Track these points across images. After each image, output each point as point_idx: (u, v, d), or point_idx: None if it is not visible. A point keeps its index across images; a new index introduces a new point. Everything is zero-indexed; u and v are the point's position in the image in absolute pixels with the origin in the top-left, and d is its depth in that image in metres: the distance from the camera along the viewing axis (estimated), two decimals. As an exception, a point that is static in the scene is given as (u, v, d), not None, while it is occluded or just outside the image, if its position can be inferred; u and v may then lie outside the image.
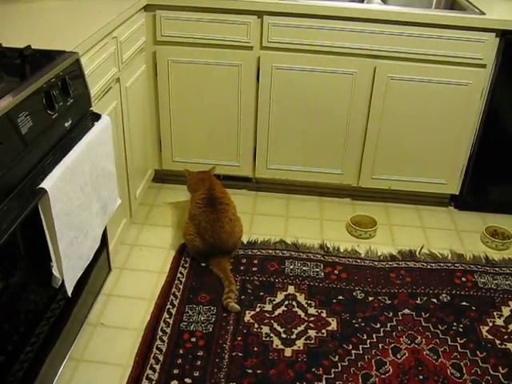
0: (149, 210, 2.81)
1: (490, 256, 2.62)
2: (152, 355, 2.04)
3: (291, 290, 2.38)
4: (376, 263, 2.55)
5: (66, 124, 1.70)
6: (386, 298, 2.36)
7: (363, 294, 2.37)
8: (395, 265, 2.55)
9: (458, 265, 2.57)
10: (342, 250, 2.62)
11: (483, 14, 2.49)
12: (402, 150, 2.77)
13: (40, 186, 1.49)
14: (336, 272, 2.49)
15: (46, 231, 1.52)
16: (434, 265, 2.57)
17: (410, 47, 2.52)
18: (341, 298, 2.35)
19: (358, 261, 2.56)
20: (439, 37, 2.49)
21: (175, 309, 2.25)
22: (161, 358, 2.03)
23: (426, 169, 2.81)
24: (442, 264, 2.57)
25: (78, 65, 1.77)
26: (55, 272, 1.58)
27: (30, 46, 1.71)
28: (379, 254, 2.60)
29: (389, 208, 2.94)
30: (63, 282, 1.66)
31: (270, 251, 2.58)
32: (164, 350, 2.07)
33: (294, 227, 2.75)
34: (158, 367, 2.00)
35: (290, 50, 2.57)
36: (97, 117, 1.86)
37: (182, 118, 2.78)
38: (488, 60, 2.53)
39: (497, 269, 2.57)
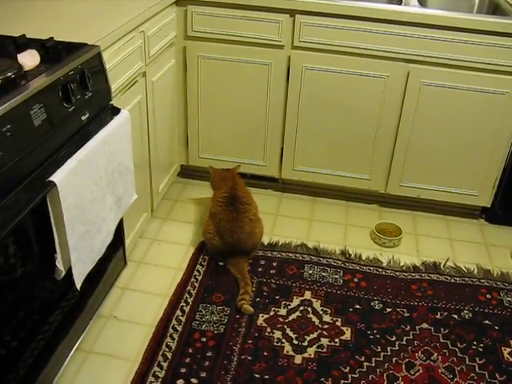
0: (172, 205, 2.80)
1: (519, 273, 2.53)
2: (161, 352, 2.04)
3: (308, 295, 2.33)
4: (398, 273, 2.48)
5: (83, 117, 1.70)
6: (405, 311, 2.28)
7: (381, 305, 2.31)
8: (418, 276, 2.47)
9: (483, 281, 2.47)
10: (363, 258, 2.55)
11: (525, 20, 2.39)
12: (433, 158, 2.68)
13: (49, 178, 1.48)
14: (355, 280, 2.43)
15: (53, 223, 1.52)
16: (458, 279, 2.47)
17: (446, 52, 2.43)
18: (358, 307, 2.29)
19: (380, 270, 2.49)
20: (476, 43, 2.39)
21: (189, 307, 2.24)
22: (169, 355, 2.03)
23: (457, 179, 2.71)
24: (467, 279, 2.48)
25: (99, 58, 1.77)
26: (58, 264, 1.58)
27: (52, 37, 1.72)
28: (402, 264, 2.52)
29: (416, 217, 2.85)
30: (72, 274, 1.67)
31: (290, 254, 2.54)
32: (173, 347, 2.06)
33: (316, 231, 2.70)
34: (165, 365, 1.99)
35: (321, 51, 2.52)
36: (116, 111, 1.85)
37: (210, 114, 2.76)
38: (527, 68, 2.44)
39: (525, 287, 2.47)
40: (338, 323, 2.21)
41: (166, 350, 2.05)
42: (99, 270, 2.00)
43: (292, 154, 2.78)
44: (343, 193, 2.93)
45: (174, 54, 2.56)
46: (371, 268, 2.50)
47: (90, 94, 1.73)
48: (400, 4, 2.58)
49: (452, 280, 2.47)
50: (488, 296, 2.40)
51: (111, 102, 1.86)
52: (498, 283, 2.47)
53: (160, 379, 1.94)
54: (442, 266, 2.54)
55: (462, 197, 2.75)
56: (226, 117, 2.76)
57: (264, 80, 2.61)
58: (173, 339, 2.10)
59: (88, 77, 1.71)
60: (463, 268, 2.53)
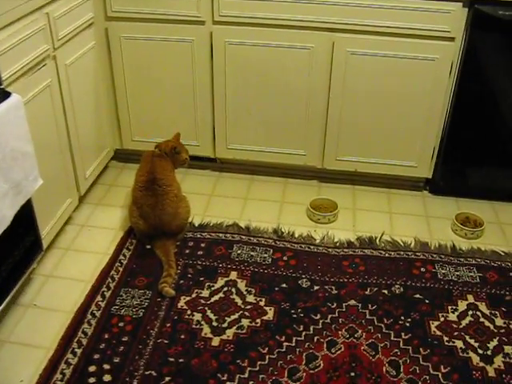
0: (107, 190, 2.75)
1: (457, 245, 2.44)
2: (76, 339, 2.00)
3: (233, 275, 2.28)
4: (330, 250, 2.42)
5: (-39, 103, 1.65)
6: (333, 288, 2.23)
7: (309, 283, 2.25)
8: (350, 252, 2.41)
9: (419, 254, 2.41)
10: (296, 235, 2.49)
11: (450, -19, 2.30)
12: (367, 130, 2.61)
13: None
14: (285, 258, 2.37)
15: None
16: (393, 253, 2.41)
17: (370, 19, 2.35)
18: (284, 286, 2.23)
19: (311, 247, 2.43)
20: (404, 7, 2.30)
21: (110, 292, 2.20)
22: (84, 342, 1.99)
23: (394, 150, 2.63)
24: (402, 252, 2.41)
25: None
26: None
27: None
28: (336, 240, 2.46)
29: (357, 191, 2.78)
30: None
31: (220, 235, 2.49)
32: (89, 333, 2.02)
33: (251, 210, 2.65)
34: (79, 351, 1.95)
35: (243, 24, 2.44)
36: (5, 95, 1.80)
37: (139, 96, 2.70)
38: (456, 33, 2.33)
39: (462, 259, 2.39)
40: (262, 303, 2.16)
41: (82, 336, 2.01)
42: (8, 257, 1.97)
43: (224, 132, 2.71)
44: (282, 170, 2.86)
45: (93, 35, 2.50)
46: (303, 245, 2.44)
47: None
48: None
49: (386, 254, 2.40)
50: (422, 269, 2.33)
51: (1, 87, 1.81)
52: (434, 255, 2.40)
53: (72, 366, 1.90)
54: (377, 240, 2.47)
55: (401, 169, 2.67)
56: (155, 98, 2.70)
57: (188, 58, 2.54)
58: (90, 325, 2.06)
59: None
60: (400, 242, 2.46)
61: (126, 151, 2.88)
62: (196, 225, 2.54)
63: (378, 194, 2.77)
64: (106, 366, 1.91)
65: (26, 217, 2.02)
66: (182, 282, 2.25)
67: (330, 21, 2.37)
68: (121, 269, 2.31)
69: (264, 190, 2.79)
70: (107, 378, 1.87)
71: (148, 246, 2.39)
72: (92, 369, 1.90)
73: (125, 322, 2.07)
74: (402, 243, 2.46)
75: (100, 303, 2.15)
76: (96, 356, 1.94)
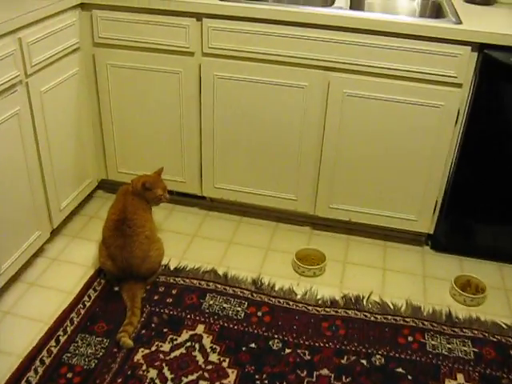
0: (86, 222, 2.62)
1: (454, 312, 2.19)
2: (18, 390, 1.87)
3: (200, 329, 2.09)
4: (310, 308, 2.20)
5: None
6: (307, 353, 2.01)
7: (280, 345, 2.04)
8: (332, 312, 2.19)
9: (409, 320, 2.17)
10: (276, 288, 2.29)
11: (459, 23, 2.08)
12: (364, 177, 2.40)
13: None
14: (259, 314, 2.17)
15: None
16: (379, 317, 2.18)
17: (368, 59, 2.16)
18: (253, 346, 2.03)
19: (290, 303, 2.22)
20: (405, 49, 2.10)
21: (65, 336, 2.04)
22: (27, 393, 1.86)
23: (392, 201, 2.41)
24: (390, 317, 2.18)
25: None
26: None
27: None
28: (319, 296, 2.25)
29: (351, 242, 2.56)
30: None
31: (195, 281, 2.31)
32: (33, 383, 1.88)
33: (233, 255, 2.46)
34: (18, 403, 1.83)
35: (233, 58, 2.28)
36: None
37: (125, 126, 2.56)
38: (464, 79, 2.11)
39: (456, 329, 2.14)
40: (225, 364, 1.96)
41: (25, 386, 1.88)
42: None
43: (211, 170, 2.55)
44: (273, 213, 2.67)
45: (77, 61, 2.38)
46: (281, 301, 2.23)
47: None
48: (327, 7, 2.32)
49: (372, 318, 2.17)
50: (410, 338, 2.09)
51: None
52: (426, 323, 2.16)
53: (7, 420, 1.78)
54: (364, 300, 2.25)
55: (399, 221, 2.44)
56: (141, 129, 2.56)
57: (176, 90, 2.39)
58: (36, 373, 1.90)
59: None
60: (389, 304, 2.23)
61: (112, 182, 2.75)
62: (171, 268, 2.37)
63: (374, 246, 2.54)
64: (43, 423, 1.77)
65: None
66: (143, 331, 2.07)
67: (325, 58, 2.19)
68: (82, 311, 2.15)
69: (251, 233, 2.60)
70: None
71: (116, 288, 2.24)
72: (27, 424, 1.76)
73: (74, 373, 1.90)
74: (391, 306, 2.22)
75: (52, 349, 1.99)
76: (35, 410, 1.80)
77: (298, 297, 2.25)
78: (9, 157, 2.05)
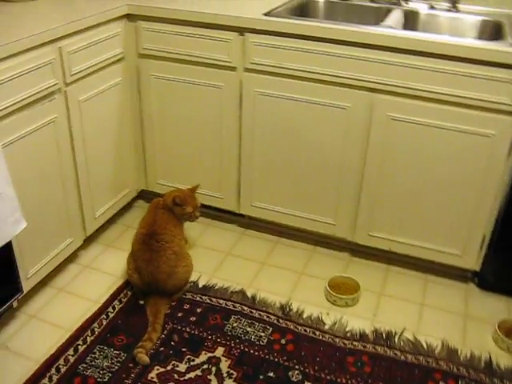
0: (123, 232, 2.62)
1: (494, 360, 2.01)
2: (31, 396, 1.87)
3: (219, 352, 2.03)
4: (337, 340, 2.09)
5: None
6: (327, 388, 1.92)
7: (300, 377, 1.94)
8: (360, 347, 2.06)
9: (442, 363, 2.01)
10: (304, 316, 2.19)
11: (516, 47, 1.93)
12: (406, 206, 2.26)
13: None
14: (283, 341, 2.07)
15: None
16: (410, 356, 2.03)
17: (415, 82, 2.03)
18: (271, 375, 1.94)
19: (317, 333, 2.11)
20: (457, 72, 1.96)
21: (84, 346, 2.04)
22: (38, 400, 1.86)
23: (435, 234, 2.25)
24: (422, 358, 2.02)
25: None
26: None
27: None
28: (348, 328, 2.13)
29: (390, 273, 2.42)
30: None
31: (221, 301, 2.24)
32: (47, 392, 1.89)
33: (265, 277, 2.38)
34: (29, 410, 1.82)
35: (274, 74, 2.21)
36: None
37: (166, 138, 2.55)
38: (518, 107, 1.96)
39: (496, 380, 1.95)
40: (239, 391, 1.90)
41: (38, 394, 1.88)
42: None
43: (250, 188, 2.48)
44: (311, 235, 2.57)
45: (120, 71, 2.39)
46: (308, 329, 2.13)
47: None
48: (377, 25, 2.21)
49: (402, 357, 2.03)
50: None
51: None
52: (461, 369, 1.99)
53: (16, 425, 1.78)
54: (396, 337, 2.11)
55: (442, 256, 2.28)
56: (182, 142, 2.54)
57: (217, 104, 2.35)
58: (50, 381, 1.90)
59: None
60: (423, 343, 2.07)
61: (153, 192, 2.74)
62: (200, 285, 2.32)
63: (414, 278, 2.39)
64: (49, 433, 1.76)
65: (4, 257, 1.94)
66: (162, 349, 2.03)
67: (370, 79, 2.08)
68: (105, 322, 2.14)
69: (287, 255, 2.51)
70: None
71: (141, 302, 2.21)
72: (34, 432, 1.76)
73: (86, 385, 1.91)
74: (425, 345, 2.07)
75: (70, 357, 1.99)
76: (44, 419, 1.80)
77: (326, 327, 2.14)
78: (43, 162, 2.07)
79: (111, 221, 2.64)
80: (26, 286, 2.10)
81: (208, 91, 2.35)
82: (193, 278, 2.34)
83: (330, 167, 2.30)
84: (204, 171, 2.56)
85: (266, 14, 2.20)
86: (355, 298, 2.24)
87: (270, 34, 2.16)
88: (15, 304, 2.11)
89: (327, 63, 2.12)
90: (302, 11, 2.52)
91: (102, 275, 2.37)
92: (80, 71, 2.14)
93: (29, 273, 2.10)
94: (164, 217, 2.22)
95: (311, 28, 2.10)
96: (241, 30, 2.19)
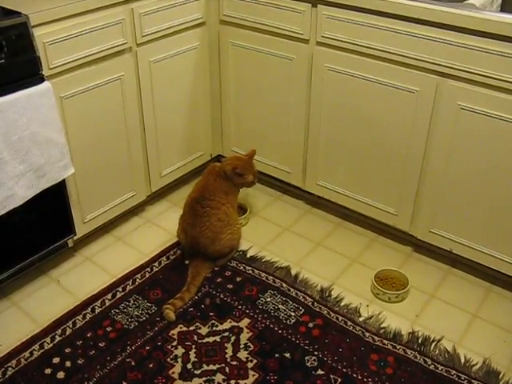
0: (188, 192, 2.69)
1: (540, 393, 1.78)
2: (63, 327, 2.02)
3: (244, 323, 2.03)
4: (367, 334, 1.97)
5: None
6: (339, 381, 1.81)
7: (316, 364, 1.87)
8: (389, 346, 1.93)
9: (476, 383, 1.82)
10: (342, 304, 2.10)
11: None
12: (473, 205, 2.04)
13: None
14: (310, 325, 2.01)
15: None
16: (441, 368, 1.86)
17: (493, 70, 1.80)
18: (287, 355, 1.91)
19: (348, 323, 2.02)
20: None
21: (122, 294, 2.17)
22: (68, 332, 2.00)
23: (504, 240, 2.00)
24: (454, 372, 1.84)
25: (24, 29, 1.79)
26: None
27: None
28: (384, 325, 2.00)
29: (451, 275, 2.21)
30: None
31: (263, 274, 2.23)
32: (77, 325, 2.02)
33: (315, 258, 2.31)
34: (58, 339, 1.96)
35: (345, 50, 2.10)
36: (40, 81, 1.86)
37: (240, 106, 2.55)
38: None
39: (533, 414, 1.73)
40: (250, 364, 1.87)
41: (70, 325, 2.02)
42: (38, 232, 2.10)
43: (315, 165, 2.41)
44: (377, 224, 2.42)
45: (199, 36, 2.42)
46: (340, 318, 2.04)
47: (3, 61, 1.76)
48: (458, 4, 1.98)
49: (432, 366, 1.86)
50: (468, 404, 1.76)
51: (41, 72, 1.87)
52: (495, 392, 1.79)
53: (42, 351, 1.92)
54: (433, 343, 1.94)
55: (508, 266, 2.02)
56: (254, 112, 2.53)
57: (288, 77, 2.31)
58: (84, 318, 2.06)
59: (2, 44, 1.75)
60: (461, 357, 1.88)
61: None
62: (248, 255, 2.33)
63: (475, 286, 2.16)
64: (68, 364, 1.88)
65: (58, 200, 2.11)
66: (191, 309, 2.09)
67: (441, 63, 1.89)
68: (148, 275, 2.25)
69: (345, 239, 2.41)
70: (61, 375, 1.85)
71: (187, 262, 2.28)
72: (55, 360, 1.90)
73: (113, 328, 2.02)
74: (462, 360, 1.88)
75: (106, 301, 2.14)
76: (67, 350, 1.93)
77: (361, 319, 2.03)
78: (109, 116, 2.20)
79: (184, 181, 2.73)
80: (82, 230, 2.27)
81: (280, 62, 2.31)
82: (243, 247, 2.36)
83: (395, 153, 2.15)
84: (273, 143, 2.54)
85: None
86: (400, 294, 2.09)
87: (342, 8, 2.05)
88: (71, 244, 2.28)
89: (399, 42, 1.96)
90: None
91: (159, 231, 2.48)
92: (153, 33, 2.22)
93: (86, 218, 2.26)
94: (215, 184, 2.24)
95: (384, 3, 1.95)
96: (314, 2, 2.11)
